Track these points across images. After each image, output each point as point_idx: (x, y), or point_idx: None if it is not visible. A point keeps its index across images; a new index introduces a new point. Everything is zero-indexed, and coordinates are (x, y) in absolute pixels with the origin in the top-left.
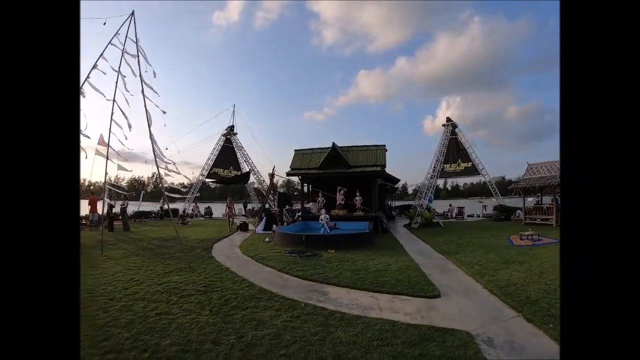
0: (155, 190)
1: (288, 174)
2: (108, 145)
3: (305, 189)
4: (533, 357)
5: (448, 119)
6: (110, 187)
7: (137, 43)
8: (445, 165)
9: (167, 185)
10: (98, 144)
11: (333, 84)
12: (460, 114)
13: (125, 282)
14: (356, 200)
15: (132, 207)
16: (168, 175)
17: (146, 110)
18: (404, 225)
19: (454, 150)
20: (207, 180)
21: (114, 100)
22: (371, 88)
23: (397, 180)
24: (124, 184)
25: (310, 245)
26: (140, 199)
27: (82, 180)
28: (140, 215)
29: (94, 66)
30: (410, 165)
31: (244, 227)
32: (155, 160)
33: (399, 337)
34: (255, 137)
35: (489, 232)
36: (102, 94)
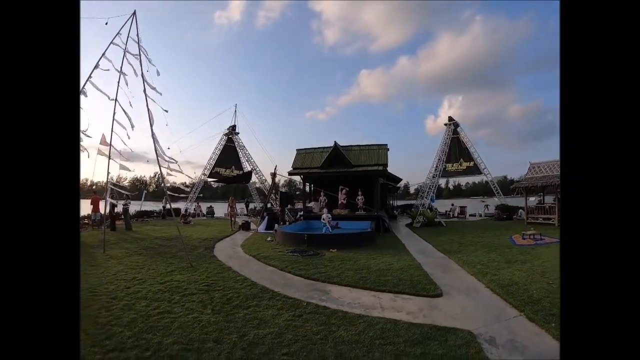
0: (157, 189)
1: (290, 174)
2: (110, 145)
3: (307, 188)
4: (535, 356)
5: (450, 118)
6: (113, 187)
7: (138, 43)
8: (447, 165)
9: (169, 185)
10: (100, 143)
11: (334, 84)
12: (462, 113)
13: (128, 281)
14: (358, 200)
15: (134, 207)
16: (170, 174)
17: (148, 109)
18: (405, 225)
19: (456, 149)
20: (209, 179)
21: (115, 99)
22: (373, 87)
23: (399, 180)
24: (126, 183)
25: (312, 244)
26: (142, 198)
27: (84, 180)
28: (142, 214)
29: (96, 66)
30: (412, 165)
31: (246, 226)
32: (158, 160)
33: (401, 336)
34: (257, 136)
35: (491, 231)
36: (106, 94)
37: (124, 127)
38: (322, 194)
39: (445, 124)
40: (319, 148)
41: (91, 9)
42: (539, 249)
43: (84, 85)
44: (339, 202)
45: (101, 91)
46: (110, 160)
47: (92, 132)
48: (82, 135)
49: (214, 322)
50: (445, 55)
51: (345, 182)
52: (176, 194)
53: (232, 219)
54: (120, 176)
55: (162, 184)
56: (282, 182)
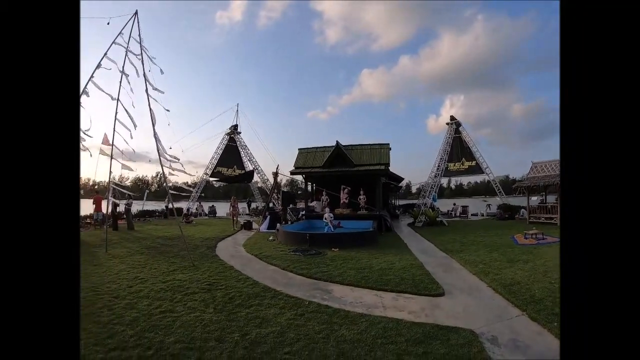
0: (159, 189)
1: (292, 173)
2: (112, 145)
3: (309, 187)
4: (538, 356)
5: (452, 118)
6: (115, 186)
7: (140, 43)
8: (449, 164)
9: (171, 185)
10: (102, 143)
11: (336, 83)
12: (464, 112)
13: (130, 280)
14: (360, 199)
15: (137, 206)
16: (172, 174)
17: (150, 109)
18: (407, 224)
19: (457, 149)
20: (211, 179)
21: (118, 99)
22: (374, 87)
23: (401, 179)
24: (128, 183)
25: (314, 243)
26: (145, 198)
27: (86, 180)
28: (144, 214)
29: (98, 65)
30: (414, 164)
31: (247, 225)
32: (160, 159)
33: (403, 335)
34: (259, 136)
35: (493, 231)
36: (108, 94)
37: (127, 128)
38: (324, 193)
39: (447, 124)
40: (320, 147)
41: (92, 9)
42: (541, 249)
43: (86, 85)
44: (341, 202)
45: (103, 91)
46: (113, 159)
47: (94, 132)
48: (84, 135)
49: (216, 321)
50: (446, 55)
51: (347, 182)
52: (179, 192)
53: (234, 218)
54: (123, 176)
55: (165, 184)
56: (284, 181)
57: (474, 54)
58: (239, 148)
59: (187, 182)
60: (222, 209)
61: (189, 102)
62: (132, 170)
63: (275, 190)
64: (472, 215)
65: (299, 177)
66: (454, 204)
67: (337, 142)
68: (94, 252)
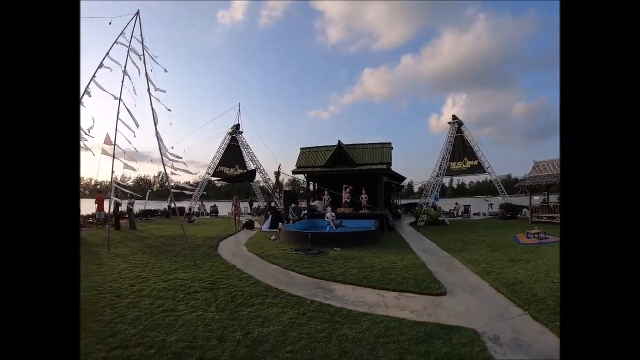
0: (161, 189)
1: (294, 172)
2: (115, 144)
3: (311, 187)
4: (540, 355)
5: (454, 117)
6: (117, 186)
7: (142, 42)
8: (451, 163)
9: (173, 184)
10: (104, 143)
11: (338, 82)
12: (466, 111)
13: (132, 279)
14: (362, 198)
15: (139, 206)
16: (174, 173)
17: (152, 108)
18: (409, 224)
19: (459, 148)
20: (213, 178)
21: (120, 99)
22: (376, 86)
23: (403, 179)
24: (130, 182)
25: (316, 243)
26: (147, 197)
27: (89, 179)
28: (146, 213)
29: (100, 65)
30: (416, 164)
31: (249, 225)
32: (162, 159)
33: (405, 334)
34: (261, 135)
35: (495, 230)
36: (111, 94)
37: (129, 128)
38: (326, 192)
39: (449, 123)
40: (322, 147)
41: (94, 9)
42: (543, 248)
43: (88, 85)
44: (343, 201)
45: (105, 91)
46: (115, 159)
47: (97, 132)
48: (85, 135)
49: (218, 320)
50: (448, 54)
51: (349, 181)
52: (181, 189)
53: (236, 217)
54: (125, 175)
55: (167, 183)
56: (285, 180)
57: (475, 53)
58: (241, 147)
59: (189, 182)
60: (224, 208)
61: (190, 102)
62: (134, 169)
63: (277, 190)
64: (474, 214)
65: (301, 177)
66: (456, 204)
67: (339, 142)
68: (96, 251)
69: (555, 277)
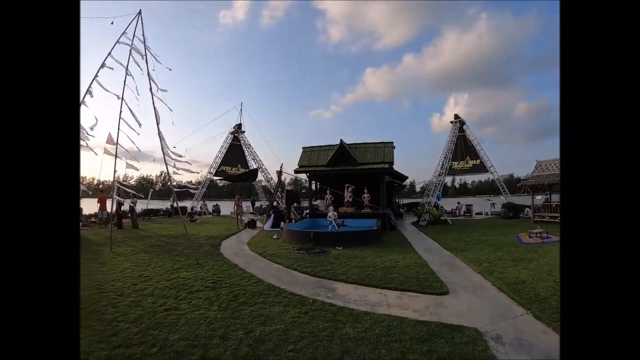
0: (163, 188)
1: (296, 172)
2: (117, 144)
3: (313, 186)
4: (543, 354)
5: (456, 116)
6: (119, 185)
7: (144, 42)
8: (453, 163)
9: (175, 183)
10: (107, 142)
11: (340, 82)
12: (468, 111)
13: (134, 278)
14: (364, 198)
15: (141, 205)
16: (176, 173)
17: (154, 108)
18: (411, 223)
19: (462, 147)
20: (215, 178)
21: (122, 98)
22: (378, 86)
23: (405, 178)
24: (132, 182)
25: (318, 242)
26: (149, 197)
27: (91, 179)
28: (148, 213)
29: (102, 65)
30: (418, 163)
31: (252, 224)
32: (164, 158)
33: (407, 333)
34: (263, 135)
35: (498, 229)
36: (114, 94)
37: (132, 128)
38: (328, 192)
39: (451, 122)
40: (325, 146)
41: (96, 9)
42: (546, 247)
43: (90, 85)
44: (345, 200)
45: (108, 90)
46: (117, 159)
47: (99, 132)
48: (87, 135)
49: (221, 319)
50: (450, 53)
51: (351, 180)
52: (186, 188)
53: (238, 217)
54: (127, 175)
55: (169, 183)
56: (288, 180)
57: (477, 53)
58: (243, 147)
59: (191, 181)
60: (226, 207)
61: (192, 101)
62: (136, 169)
63: (280, 189)
64: (476, 214)
65: (303, 176)
66: (458, 203)
67: (341, 141)
68: (98, 251)
69: (557, 276)
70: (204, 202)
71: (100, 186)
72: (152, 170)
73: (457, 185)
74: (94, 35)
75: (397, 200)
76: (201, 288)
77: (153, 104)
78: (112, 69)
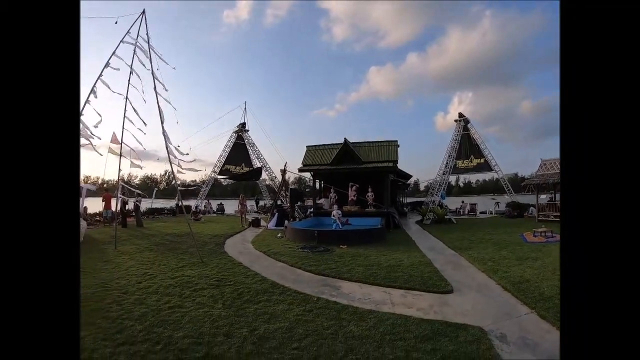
0: (167, 187)
1: (300, 170)
2: (121, 143)
3: (317, 185)
4: (547, 354)
5: (460, 115)
6: (124, 184)
7: (148, 41)
8: (457, 162)
9: (179, 182)
10: (111, 141)
11: (344, 81)
12: (472, 109)
13: (139, 276)
14: (368, 196)
15: (145, 204)
16: (180, 172)
17: (159, 107)
18: (416, 222)
19: (466, 146)
20: (219, 176)
21: (126, 98)
22: (382, 84)
23: (409, 177)
24: (137, 181)
25: (322, 240)
26: (153, 196)
27: (95, 178)
28: (153, 211)
29: (107, 65)
30: (422, 162)
31: (256, 223)
32: (169, 157)
33: (411, 331)
34: (267, 133)
35: (502, 228)
36: (119, 93)
37: (137, 127)
38: (332, 190)
39: (455, 121)
40: (328, 145)
41: (98, 9)
42: (550, 247)
43: (95, 84)
44: (349, 199)
45: (112, 90)
46: (122, 158)
47: (103, 131)
48: (91, 134)
49: (225, 317)
50: (454, 52)
51: (355, 179)
52: (194, 186)
53: (243, 215)
54: (131, 174)
55: (173, 181)
56: (292, 179)
57: (481, 51)
58: (247, 146)
59: (195, 180)
60: (231, 206)
61: (195, 101)
62: (141, 168)
63: (284, 188)
64: (480, 213)
65: (307, 175)
66: (463, 202)
67: (345, 140)
68: (103, 249)
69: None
70: (208, 200)
71: (105, 185)
72: (156, 169)
73: (461, 184)
74: (98, 35)
75: (401, 199)
76: (205, 286)
77: (157, 103)
78: (118, 69)
